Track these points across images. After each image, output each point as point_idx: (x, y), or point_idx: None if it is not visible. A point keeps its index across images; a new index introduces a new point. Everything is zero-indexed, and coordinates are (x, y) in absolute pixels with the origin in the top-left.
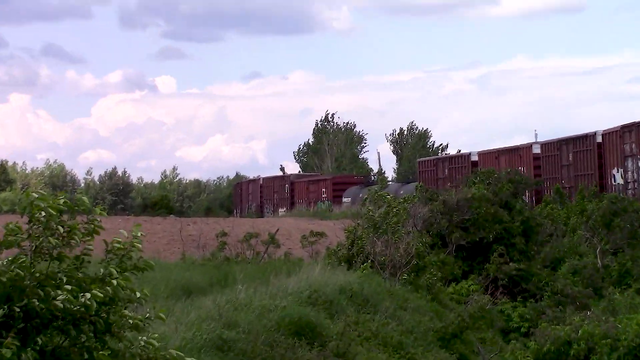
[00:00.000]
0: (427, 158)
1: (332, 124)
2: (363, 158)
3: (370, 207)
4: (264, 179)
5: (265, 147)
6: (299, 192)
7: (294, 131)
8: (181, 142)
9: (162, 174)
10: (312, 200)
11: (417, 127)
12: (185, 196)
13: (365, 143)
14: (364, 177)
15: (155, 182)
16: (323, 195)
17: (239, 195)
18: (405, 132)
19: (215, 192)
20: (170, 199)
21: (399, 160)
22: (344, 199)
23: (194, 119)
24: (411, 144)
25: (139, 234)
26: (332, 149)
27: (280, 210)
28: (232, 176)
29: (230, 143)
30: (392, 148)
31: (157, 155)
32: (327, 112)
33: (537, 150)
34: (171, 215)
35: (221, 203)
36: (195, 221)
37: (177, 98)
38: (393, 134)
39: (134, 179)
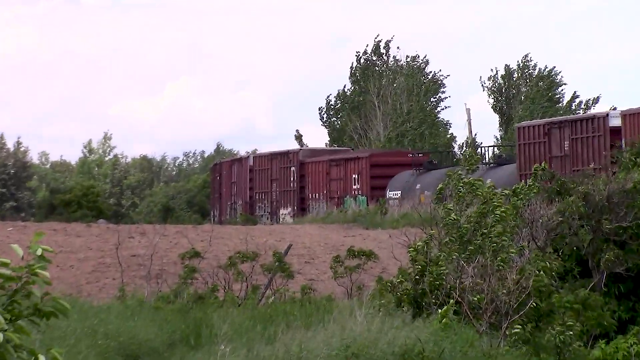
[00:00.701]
0: (532, 122)
1: (385, 58)
2: (441, 119)
3: (451, 207)
4: (255, 157)
5: (268, 101)
6: (313, 181)
7: (318, 74)
8: (119, 92)
9: (84, 148)
10: (334, 193)
11: (535, 65)
12: (127, 187)
13: (443, 92)
14: (423, 154)
15: (73, 163)
16: (354, 186)
17: (217, 186)
18: (516, 74)
19: (180, 180)
20: (98, 192)
21: (504, 123)
22: (389, 192)
23: (141, 51)
24: (528, 95)
25: (42, 251)
26: (386, 101)
27: (282, 211)
28: (208, 152)
29: (207, 94)
30: (491, 101)
31: (76, 115)
32: (378, 39)
33: None
34: (101, 221)
35: (190, 199)
36: (143, 231)
37: (111, 11)
38: (493, 77)
39: (34, 156)
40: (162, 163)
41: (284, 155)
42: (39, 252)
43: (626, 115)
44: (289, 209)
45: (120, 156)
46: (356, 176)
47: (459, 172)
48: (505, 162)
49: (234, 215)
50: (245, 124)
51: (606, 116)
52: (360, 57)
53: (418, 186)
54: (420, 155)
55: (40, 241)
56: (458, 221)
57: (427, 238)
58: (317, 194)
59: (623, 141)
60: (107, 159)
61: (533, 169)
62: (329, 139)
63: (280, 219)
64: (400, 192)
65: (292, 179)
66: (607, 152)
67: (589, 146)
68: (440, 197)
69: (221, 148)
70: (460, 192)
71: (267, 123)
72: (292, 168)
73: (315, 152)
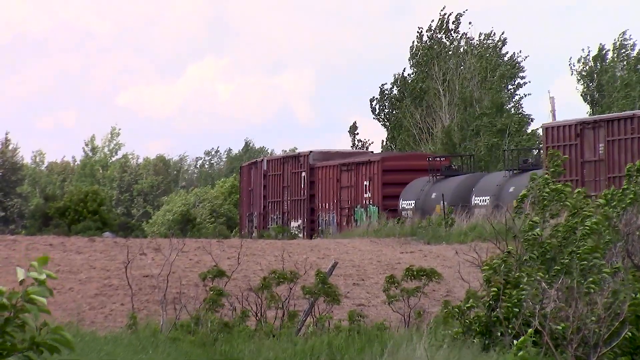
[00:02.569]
0: (562, 122)
1: (453, 36)
2: (519, 108)
3: (536, 220)
4: (269, 160)
5: (311, 85)
6: (323, 188)
7: (371, 52)
8: (129, 76)
9: (86, 145)
10: (345, 203)
11: (634, 45)
12: (138, 193)
13: (523, 76)
14: (444, 158)
15: (72, 162)
16: (365, 194)
17: (245, 192)
18: (611, 55)
19: (202, 185)
20: (103, 198)
21: (595, 114)
22: (402, 202)
23: (156, 25)
24: (624, 80)
25: (45, 276)
26: (453, 86)
27: (292, 223)
28: (236, 150)
29: (234, 77)
30: (581, 88)
31: (76, 105)
32: (445, 14)
33: None
34: (106, 234)
35: (214, 208)
36: (157, 246)
37: None
38: (584, 59)
39: (26, 155)
40: (181, 164)
41: (295, 158)
42: (43, 276)
43: None
44: (299, 222)
45: (130, 156)
46: (367, 183)
47: (545, 175)
48: (532, 168)
49: (251, 229)
50: (281, 115)
51: None
52: (423, 34)
53: (434, 195)
54: (440, 159)
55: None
56: (540, 236)
57: (504, 255)
58: (327, 204)
59: None
60: (114, 159)
61: (626, 169)
62: (386, 139)
63: (291, 230)
64: (414, 201)
65: (302, 186)
66: None
67: (628, 149)
68: (521, 206)
69: (250, 145)
70: (545, 200)
71: (309, 113)
72: (303, 173)
73: (328, 155)
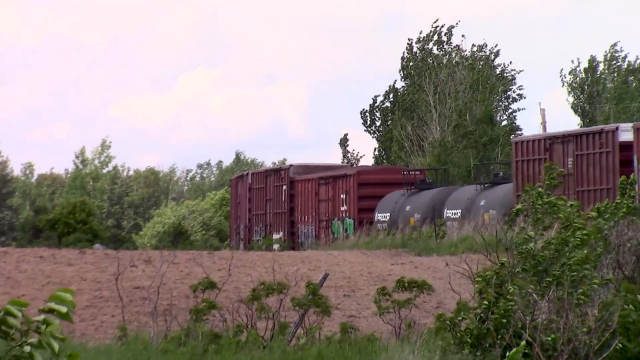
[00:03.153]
0: (531, 136)
1: (445, 48)
2: (511, 118)
3: (532, 234)
4: (253, 174)
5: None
6: (302, 201)
7: (363, 64)
8: (119, 86)
9: (76, 157)
10: (323, 216)
11: (625, 56)
12: (128, 205)
13: (521, 91)
14: (419, 171)
15: (63, 174)
16: (342, 207)
17: (233, 205)
18: (602, 67)
19: (193, 197)
20: (92, 210)
21: (586, 126)
22: (378, 215)
23: (147, 36)
24: (614, 92)
25: (66, 308)
26: (443, 99)
27: (274, 235)
28: (227, 162)
29: (226, 88)
30: (571, 99)
31: (67, 117)
32: (437, 25)
33: None
34: (97, 246)
35: (205, 220)
36: (148, 258)
37: None
38: (575, 70)
39: (16, 167)
40: (171, 176)
41: (277, 172)
42: (64, 309)
43: (639, 129)
44: (280, 234)
45: (120, 168)
46: (344, 196)
47: (539, 188)
48: (502, 181)
49: (238, 241)
50: (273, 127)
51: (615, 130)
52: (414, 45)
53: (408, 208)
54: (416, 173)
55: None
56: (534, 249)
57: (497, 267)
58: (306, 217)
59: (635, 158)
60: (104, 171)
61: (620, 183)
62: (377, 148)
63: (273, 245)
64: (389, 214)
65: (283, 199)
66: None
67: (596, 164)
68: (514, 218)
69: (242, 158)
70: (538, 212)
71: (301, 125)
72: (284, 186)
73: (308, 168)
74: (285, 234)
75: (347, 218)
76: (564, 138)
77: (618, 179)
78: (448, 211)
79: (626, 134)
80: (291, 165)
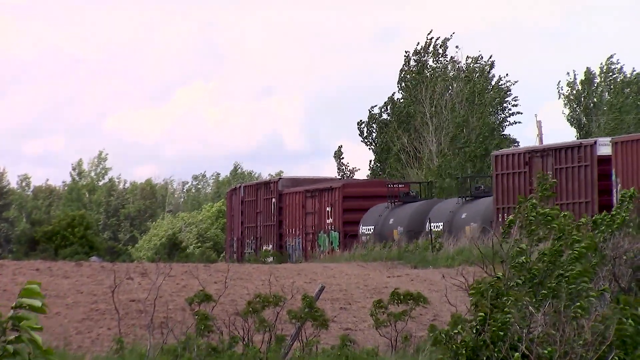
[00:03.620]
0: (511, 150)
1: (441, 61)
2: (508, 134)
3: (524, 246)
4: (245, 187)
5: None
6: (290, 214)
7: (360, 77)
8: (115, 99)
9: (73, 170)
10: (310, 229)
11: (621, 68)
12: (125, 217)
13: (510, 98)
14: (403, 184)
15: (60, 187)
16: (328, 220)
17: (228, 217)
18: (598, 79)
19: (189, 209)
20: (90, 222)
21: (582, 139)
22: (362, 228)
23: (144, 49)
24: (611, 104)
25: (40, 303)
26: (440, 110)
27: (264, 248)
28: (224, 175)
29: (222, 101)
30: (566, 111)
31: (64, 130)
32: (432, 37)
33: None
34: (93, 259)
35: (201, 232)
36: (144, 270)
37: (106, 2)
38: (572, 82)
39: (12, 179)
40: (168, 188)
41: (267, 185)
42: (38, 303)
43: (617, 143)
44: (270, 246)
45: (116, 180)
46: (329, 209)
47: (533, 199)
48: (483, 195)
49: (232, 254)
50: (270, 140)
51: (594, 144)
52: (411, 57)
53: (391, 220)
54: (400, 186)
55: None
56: (529, 261)
57: (492, 279)
58: (293, 229)
59: (613, 171)
60: (100, 183)
61: (620, 195)
62: (373, 160)
63: (266, 258)
64: (373, 227)
65: (272, 212)
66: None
67: (575, 177)
68: (509, 230)
69: (239, 170)
70: (532, 224)
71: (298, 138)
72: (273, 199)
73: (297, 181)
74: (274, 247)
75: (332, 231)
76: (544, 152)
77: (596, 192)
78: (431, 224)
79: (604, 148)
80: (280, 178)
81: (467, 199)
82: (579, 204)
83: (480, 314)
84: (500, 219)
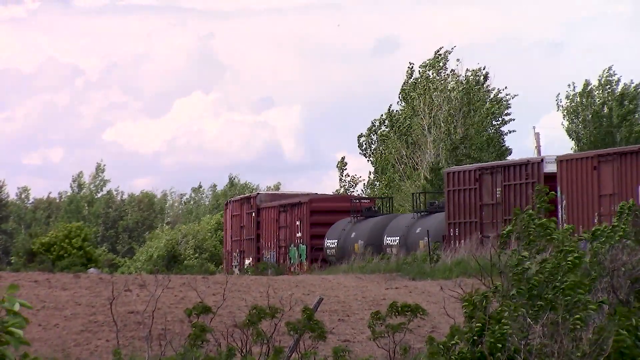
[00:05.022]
0: (462, 167)
1: (444, 72)
2: (505, 145)
3: (525, 255)
4: (233, 202)
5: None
6: (266, 228)
7: (359, 87)
8: (115, 111)
9: (73, 182)
10: (282, 242)
11: (618, 80)
12: (123, 229)
13: (508, 112)
14: (368, 200)
15: (58, 198)
16: (297, 234)
17: (224, 230)
18: (597, 92)
19: (187, 221)
20: (88, 235)
21: (580, 151)
22: (327, 241)
23: (143, 60)
24: (614, 115)
25: (18, 306)
26: (437, 123)
27: (247, 261)
28: (221, 186)
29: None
30: (565, 123)
31: (63, 141)
32: (439, 51)
33: None
34: (91, 270)
35: (199, 244)
36: (143, 282)
37: (106, 14)
38: (571, 95)
39: (11, 191)
40: (166, 200)
41: (248, 200)
42: (17, 307)
43: (562, 161)
44: (250, 260)
45: (115, 192)
46: (299, 223)
47: (530, 211)
48: (437, 210)
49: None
50: (268, 151)
51: (541, 161)
52: (413, 68)
53: (353, 234)
54: (365, 201)
55: (17, 295)
56: (527, 271)
57: (487, 291)
58: (269, 243)
59: (559, 188)
60: (99, 195)
61: (619, 207)
62: (371, 172)
63: (245, 270)
64: (336, 240)
65: (252, 226)
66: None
67: (522, 193)
68: (506, 241)
69: (235, 181)
70: (531, 235)
71: (296, 150)
72: (253, 214)
73: (274, 196)
74: (253, 260)
75: (300, 244)
76: (493, 169)
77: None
78: (387, 238)
79: (551, 166)
80: (258, 193)
81: (422, 214)
82: None
83: (478, 324)
84: (451, 234)
